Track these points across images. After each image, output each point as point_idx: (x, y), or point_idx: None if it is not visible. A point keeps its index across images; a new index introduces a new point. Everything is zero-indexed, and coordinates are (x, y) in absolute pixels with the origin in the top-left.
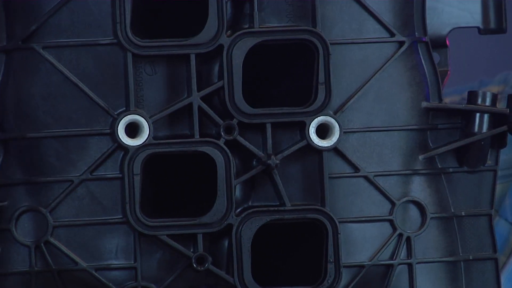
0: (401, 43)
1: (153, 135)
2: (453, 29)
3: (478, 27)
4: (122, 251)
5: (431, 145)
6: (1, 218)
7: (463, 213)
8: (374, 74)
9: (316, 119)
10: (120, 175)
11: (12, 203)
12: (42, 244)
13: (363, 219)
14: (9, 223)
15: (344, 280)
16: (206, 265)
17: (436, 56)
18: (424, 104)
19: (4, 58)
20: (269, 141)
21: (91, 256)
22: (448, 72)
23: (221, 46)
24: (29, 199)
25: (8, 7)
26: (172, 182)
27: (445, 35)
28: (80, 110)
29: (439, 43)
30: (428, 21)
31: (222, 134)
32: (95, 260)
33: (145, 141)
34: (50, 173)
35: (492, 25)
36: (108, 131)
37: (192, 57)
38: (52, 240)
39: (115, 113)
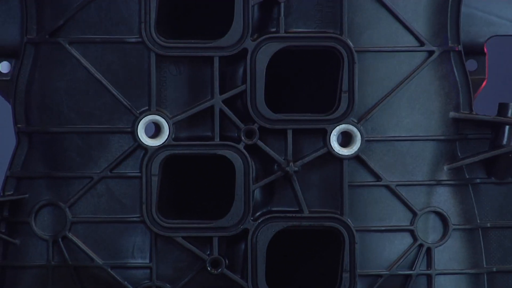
0: (430, 53)
1: (174, 136)
2: (492, 37)
3: None
4: (139, 250)
5: (459, 155)
6: (21, 210)
7: (488, 225)
8: (401, 83)
9: (338, 127)
10: (140, 174)
11: (33, 196)
12: (60, 239)
13: (383, 228)
14: (28, 216)
15: None
16: (221, 268)
17: (473, 64)
18: (452, 114)
19: (33, 50)
20: (290, 147)
21: (108, 254)
22: (485, 80)
23: (245, 50)
24: (49, 193)
25: (40, 0)
26: (193, 183)
27: (482, 43)
28: (103, 107)
29: (476, 51)
30: (465, 28)
31: (243, 138)
32: (111, 257)
33: (164, 141)
34: (71, 168)
35: None
36: (129, 129)
37: (216, 60)
38: (69, 235)
39: (138, 111)
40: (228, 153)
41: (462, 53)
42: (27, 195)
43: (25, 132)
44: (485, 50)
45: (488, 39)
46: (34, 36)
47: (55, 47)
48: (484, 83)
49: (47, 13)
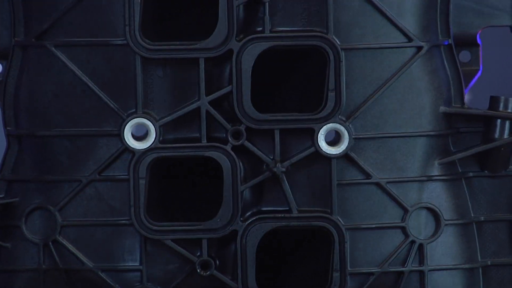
0: (419, 48)
1: (161, 138)
2: (484, 28)
3: (510, 26)
4: (129, 252)
5: (452, 149)
6: (12, 214)
7: (482, 218)
8: (389, 80)
9: (325, 126)
10: (128, 177)
11: (23, 200)
12: (50, 243)
13: (374, 226)
14: (19, 220)
15: (353, 287)
16: (210, 270)
17: (466, 55)
18: (443, 109)
19: (20, 53)
20: (277, 147)
21: (98, 257)
22: (479, 71)
23: (230, 51)
24: (39, 196)
25: (27, 2)
26: (182, 184)
27: (475, 34)
28: (90, 109)
29: (469, 42)
30: (456, 19)
31: (230, 139)
32: (102, 260)
33: (151, 144)
34: (60, 171)
35: None
36: (117, 132)
37: (201, 61)
38: (60, 239)
39: (125, 114)
40: (215, 154)
41: (453, 46)
42: (17, 199)
43: (15, 135)
44: (479, 41)
45: (481, 30)
46: (22, 38)
47: (42, 50)
48: (478, 74)
49: (34, 16)
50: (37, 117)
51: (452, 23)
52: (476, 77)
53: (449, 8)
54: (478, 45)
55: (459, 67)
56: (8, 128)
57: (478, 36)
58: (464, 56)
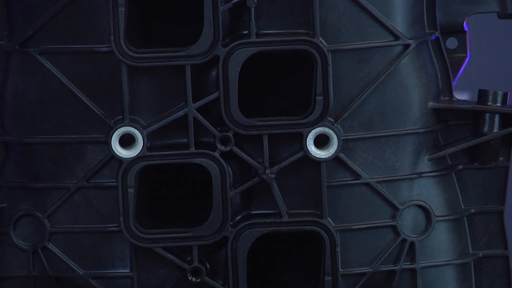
0: (406, 46)
1: (149, 145)
2: (471, 15)
3: (497, 12)
4: (119, 259)
5: (441, 142)
6: (0, 220)
7: (473, 210)
8: (377, 80)
9: (313, 130)
10: (117, 184)
11: (11, 206)
12: (40, 250)
13: (365, 226)
14: (7, 226)
15: None
16: (201, 277)
17: (453, 42)
18: (431, 104)
19: (4, 58)
20: (266, 152)
21: (89, 264)
22: (467, 58)
23: (216, 57)
24: (27, 203)
25: (10, 7)
26: (171, 191)
27: (462, 21)
28: (77, 116)
29: (456, 29)
30: (443, 7)
31: (218, 145)
32: (92, 267)
33: (139, 153)
34: (47, 178)
35: (510, 10)
36: (104, 139)
37: (187, 68)
38: (49, 246)
39: (112, 121)
40: (204, 161)
41: (440, 38)
42: (4, 204)
43: (1, 141)
44: (466, 28)
45: (467, 16)
46: (5, 42)
47: (26, 57)
48: (465, 61)
49: (18, 22)
50: (23, 124)
51: (439, 11)
52: (464, 64)
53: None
54: (465, 32)
55: (446, 60)
56: None
57: (465, 23)
58: (451, 43)
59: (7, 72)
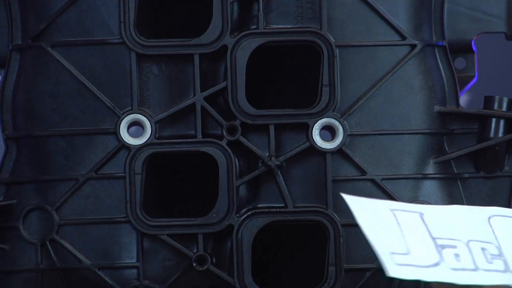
0: (412, 47)
1: (157, 135)
2: (480, 34)
3: (505, 33)
4: (126, 250)
5: (447, 149)
6: (10, 216)
7: None
8: (384, 77)
9: (319, 121)
10: (125, 174)
11: (21, 201)
12: (48, 242)
13: None
14: (16, 221)
15: (349, 284)
16: (206, 265)
17: (462, 62)
18: (437, 108)
19: (18, 56)
20: (272, 142)
21: (96, 255)
22: (475, 78)
23: (225, 47)
24: (37, 197)
25: (24, 5)
26: (178, 181)
27: (469, 40)
28: (87, 108)
29: (464, 48)
30: (450, 25)
31: (225, 134)
32: (99, 258)
33: (147, 140)
34: (57, 171)
35: None
36: (113, 130)
37: (196, 57)
38: (57, 238)
39: (121, 112)
40: (210, 150)
41: (447, 48)
42: (15, 201)
43: (13, 138)
44: (474, 48)
45: (475, 36)
46: (19, 42)
47: (39, 51)
48: (473, 80)
49: (31, 18)
50: (34, 117)
51: (447, 28)
52: (472, 83)
53: (443, 10)
54: (473, 52)
55: (453, 69)
56: (6, 132)
57: (473, 42)
58: (460, 63)
59: (20, 70)
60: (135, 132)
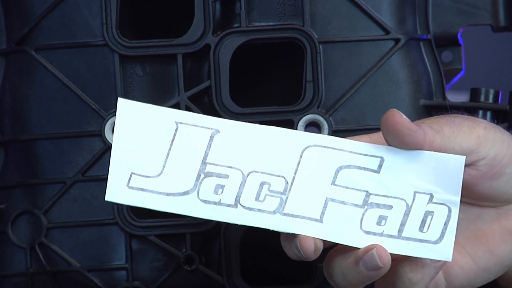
0: (396, 41)
1: None
2: (466, 27)
3: (491, 25)
4: (115, 252)
5: None
6: None
7: None
8: (368, 72)
9: (304, 117)
10: None
11: (9, 205)
12: (37, 246)
13: None
14: (5, 226)
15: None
16: (195, 265)
17: (448, 55)
18: (423, 101)
19: (4, 61)
20: None
21: (85, 257)
22: (462, 71)
23: (208, 46)
24: (25, 201)
25: (8, 10)
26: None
27: (456, 33)
28: (72, 111)
29: (451, 41)
30: (437, 19)
31: None
32: (88, 261)
33: None
34: (45, 175)
35: (503, 22)
36: (99, 132)
37: (179, 57)
38: (46, 241)
39: (106, 114)
40: None
41: (433, 41)
42: (3, 206)
43: (0, 142)
44: (460, 41)
45: (462, 29)
46: (4, 47)
47: (23, 55)
48: (460, 73)
49: (15, 23)
50: (20, 122)
51: (432, 21)
52: (459, 76)
53: (428, 3)
54: (460, 45)
55: (439, 63)
56: None
57: (459, 35)
58: (446, 56)
59: (5, 76)
60: None
